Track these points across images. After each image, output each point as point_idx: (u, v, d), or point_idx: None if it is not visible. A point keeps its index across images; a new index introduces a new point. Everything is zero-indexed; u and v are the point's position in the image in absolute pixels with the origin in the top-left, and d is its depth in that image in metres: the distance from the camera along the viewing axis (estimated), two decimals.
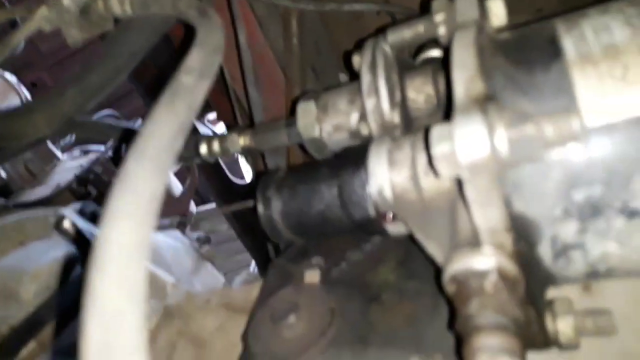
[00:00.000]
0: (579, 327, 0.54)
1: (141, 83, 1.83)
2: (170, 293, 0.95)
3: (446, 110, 0.58)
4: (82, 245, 0.85)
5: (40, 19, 0.70)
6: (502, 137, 0.42)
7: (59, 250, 1.00)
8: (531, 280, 0.51)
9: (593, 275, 0.54)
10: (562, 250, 0.51)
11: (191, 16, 0.66)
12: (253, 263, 2.36)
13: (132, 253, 0.30)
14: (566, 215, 0.48)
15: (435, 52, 0.81)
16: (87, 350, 0.27)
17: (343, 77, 1.47)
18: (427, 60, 0.79)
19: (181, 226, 1.62)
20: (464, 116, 0.43)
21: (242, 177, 2.49)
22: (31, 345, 0.72)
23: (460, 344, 0.48)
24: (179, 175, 2.52)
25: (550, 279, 0.55)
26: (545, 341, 0.55)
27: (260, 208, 0.71)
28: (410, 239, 0.65)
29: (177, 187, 2.44)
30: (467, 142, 0.42)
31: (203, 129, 2.29)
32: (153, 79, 1.76)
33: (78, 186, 1.76)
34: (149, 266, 1.08)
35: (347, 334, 0.65)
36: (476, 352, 0.45)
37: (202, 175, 2.29)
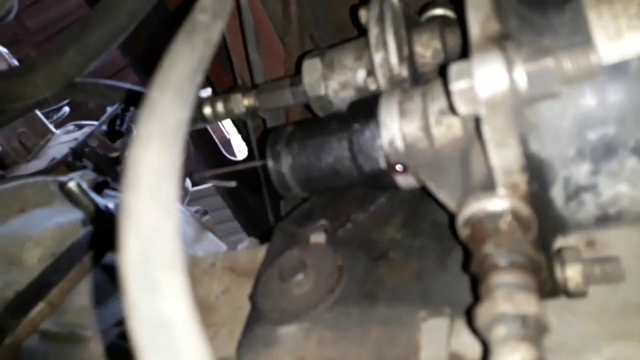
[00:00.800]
0: (588, 274, 0.55)
1: (132, 54, 1.81)
2: None
3: (462, 51, 0.57)
4: (87, 209, 0.84)
5: None
6: (521, 71, 0.42)
7: (61, 216, 0.99)
8: (543, 225, 0.52)
9: (603, 220, 0.55)
10: (575, 193, 0.51)
11: None
12: None
13: (164, 172, 0.30)
14: (580, 156, 0.49)
15: (440, 11, 0.80)
16: (128, 265, 0.27)
17: None
18: (432, 18, 0.79)
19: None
20: (482, 52, 0.43)
21: (235, 157, 2.48)
22: (40, 306, 0.72)
23: (477, 285, 0.49)
24: None
25: (561, 225, 0.56)
26: (554, 289, 0.56)
27: (270, 162, 0.71)
28: (422, 191, 0.65)
29: None
30: (486, 77, 0.42)
31: None
32: (144, 50, 1.73)
33: (73, 160, 1.75)
34: None
35: (355, 290, 0.66)
36: (494, 290, 0.45)
37: (196, 152, 2.28)
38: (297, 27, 1.21)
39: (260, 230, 2.04)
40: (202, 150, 2.31)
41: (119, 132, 2.11)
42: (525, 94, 0.42)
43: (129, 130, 2.26)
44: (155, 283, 0.27)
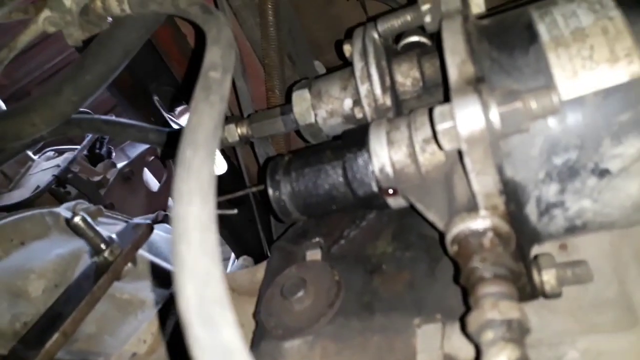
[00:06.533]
0: (561, 277, 0.62)
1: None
2: None
3: (444, 91, 0.64)
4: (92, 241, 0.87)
5: (44, 21, 0.72)
6: (495, 113, 0.49)
7: (60, 248, 1.02)
8: (520, 238, 0.59)
9: (571, 230, 0.62)
10: (546, 209, 0.59)
11: (194, 14, 0.70)
12: (232, 256, 2.40)
13: (207, 224, 0.36)
14: (548, 178, 0.56)
15: (415, 38, 0.87)
16: (187, 305, 0.32)
17: (317, 64, 1.52)
18: (409, 46, 0.86)
19: (167, 219, 1.65)
20: (461, 96, 0.50)
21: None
22: (55, 337, 0.75)
23: (466, 295, 0.55)
24: (155, 172, 2.52)
25: (535, 236, 0.63)
26: (533, 292, 0.63)
27: (270, 191, 0.76)
28: (411, 210, 0.72)
29: (154, 183, 2.44)
30: (466, 118, 0.49)
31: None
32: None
33: (57, 186, 1.75)
34: (149, 257, 1.11)
35: (353, 303, 0.71)
36: (481, 299, 0.52)
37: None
38: (276, 48, 1.26)
39: (243, 244, 2.08)
40: None
41: (99, 156, 2.13)
42: (499, 131, 0.49)
43: (109, 153, 2.28)
44: (213, 317, 0.32)
